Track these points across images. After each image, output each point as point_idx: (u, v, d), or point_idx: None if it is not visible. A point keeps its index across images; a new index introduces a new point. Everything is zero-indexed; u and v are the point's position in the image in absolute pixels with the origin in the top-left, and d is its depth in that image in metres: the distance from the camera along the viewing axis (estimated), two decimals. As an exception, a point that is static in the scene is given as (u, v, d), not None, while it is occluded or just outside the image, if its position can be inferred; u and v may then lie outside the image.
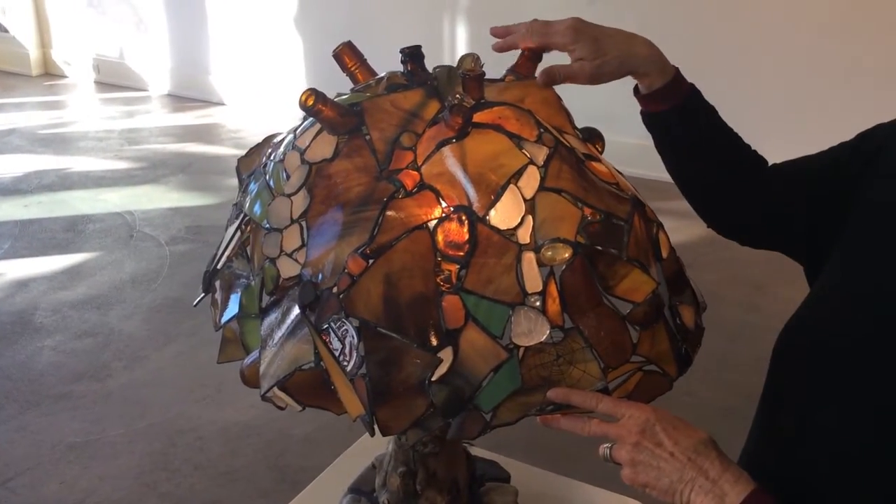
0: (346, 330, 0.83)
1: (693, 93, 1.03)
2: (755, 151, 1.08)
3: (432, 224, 0.85)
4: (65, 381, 2.68)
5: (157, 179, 4.36)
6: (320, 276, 0.85)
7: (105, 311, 3.08)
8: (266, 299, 0.92)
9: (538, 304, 0.82)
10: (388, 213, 0.84)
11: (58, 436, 2.44)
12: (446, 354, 0.82)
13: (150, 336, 2.93)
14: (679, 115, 1.01)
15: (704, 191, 1.07)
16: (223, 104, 5.66)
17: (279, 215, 0.91)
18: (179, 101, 5.70)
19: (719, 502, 0.74)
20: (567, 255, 0.82)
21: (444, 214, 0.85)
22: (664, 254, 0.92)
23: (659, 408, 0.81)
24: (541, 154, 0.86)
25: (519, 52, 0.98)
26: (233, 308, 0.98)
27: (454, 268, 0.83)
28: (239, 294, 0.98)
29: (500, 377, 0.82)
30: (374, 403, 0.81)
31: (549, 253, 0.83)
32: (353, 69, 0.98)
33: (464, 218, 0.83)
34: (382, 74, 0.96)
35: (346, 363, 0.82)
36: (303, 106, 0.86)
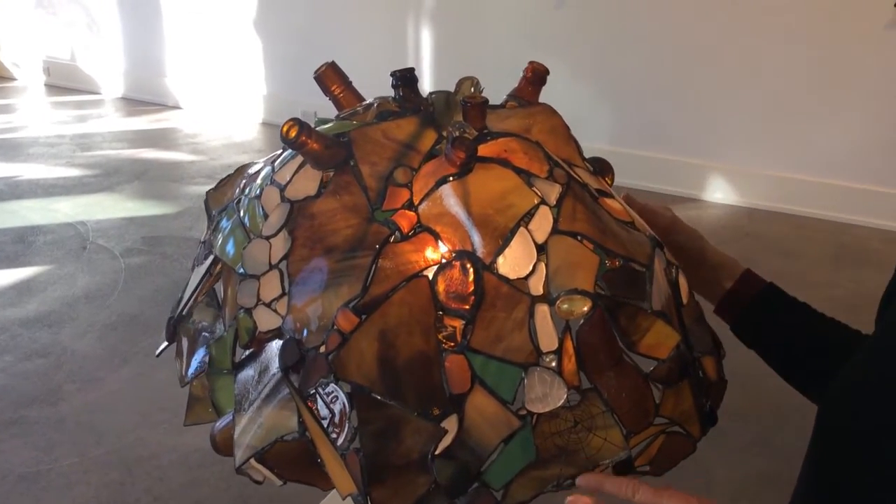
0: (336, 396, 0.72)
1: (765, 290, 0.98)
2: (856, 333, 1.00)
3: (432, 272, 0.75)
4: (14, 406, 2.53)
5: (111, 187, 4.21)
6: (305, 332, 0.75)
7: (57, 329, 2.93)
8: (240, 353, 0.82)
9: (554, 364, 0.72)
10: (383, 260, 0.74)
11: (7, 466, 2.29)
12: (451, 423, 0.72)
13: (104, 356, 2.79)
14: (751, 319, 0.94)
15: (803, 379, 1.00)
16: (179, 107, 5.50)
17: (256, 260, 0.80)
18: (134, 104, 5.53)
19: None
20: (586, 308, 0.73)
21: (445, 261, 0.75)
22: (684, 299, 0.83)
23: (703, 497, 0.71)
24: (553, 192, 0.76)
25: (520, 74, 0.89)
26: (201, 361, 0.87)
27: (458, 323, 0.73)
28: (208, 345, 0.88)
29: (512, 449, 0.72)
30: (369, 482, 0.70)
31: (566, 306, 0.73)
32: (337, 94, 0.88)
33: (468, 266, 0.74)
34: (371, 100, 0.86)
35: (335, 435, 0.72)
36: (285, 139, 0.76)
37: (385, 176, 0.78)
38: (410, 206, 0.77)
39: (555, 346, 0.73)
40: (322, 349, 0.73)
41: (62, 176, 4.31)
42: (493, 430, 0.72)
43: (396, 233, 0.75)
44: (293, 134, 0.76)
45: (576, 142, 0.85)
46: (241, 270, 0.82)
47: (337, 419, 0.72)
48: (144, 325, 2.97)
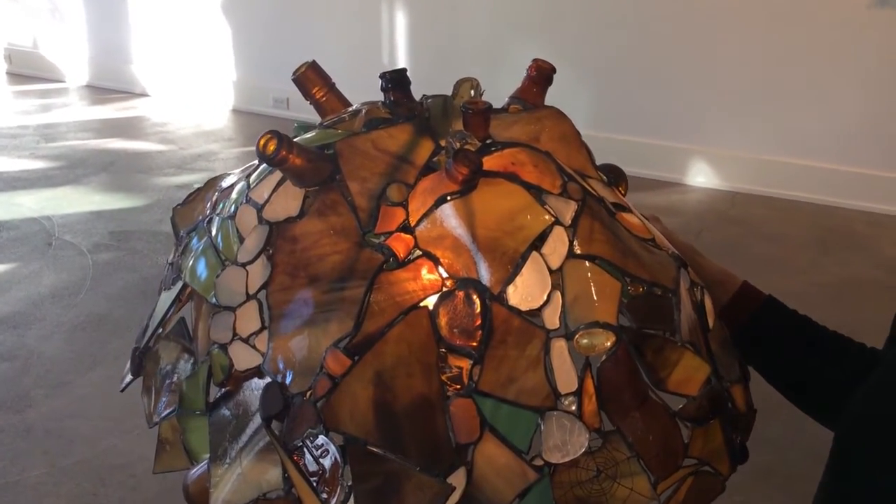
0: (327, 449, 0.64)
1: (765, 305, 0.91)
2: (859, 346, 0.93)
3: (432, 303, 0.66)
4: (-22, 415, 2.42)
5: (76, 180, 4.07)
6: (289, 375, 0.66)
7: (22, 330, 2.81)
8: (215, 392, 0.73)
9: (574, 407, 0.64)
10: (376, 291, 0.65)
11: (-29, 479, 2.19)
12: (458, 478, 0.63)
13: (73, 359, 2.68)
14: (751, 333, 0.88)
15: (812, 397, 0.92)
16: (147, 95, 5.35)
17: (231, 289, 0.71)
18: (99, 92, 5.37)
19: None
20: (609, 342, 0.64)
21: (446, 290, 0.66)
22: (710, 323, 0.75)
23: None
24: (568, 211, 0.68)
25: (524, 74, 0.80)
26: (170, 399, 0.78)
27: (465, 363, 0.64)
28: (175, 380, 0.78)
29: (529, 504, 0.64)
30: (368, 548, 0.62)
31: (586, 341, 0.65)
32: (319, 98, 0.78)
33: (474, 296, 0.65)
34: (358, 105, 0.77)
35: (326, 494, 0.63)
36: (263, 155, 0.66)
37: (377, 194, 0.69)
38: (406, 227, 0.68)
39: (574, 386, 0.64)
40: (309, 395, 0.64)
41: (25, 168, 4.15)
42: (506, 484, 0.64)
43: (391, 259, 0.66)
44: (272, 149, 0.66)
45: (587, 149, 0.77)
46: (214, 300, 0.72)
47: (328, 476, 0.63)
48: (114, 325, 2.86)
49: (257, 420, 0.68)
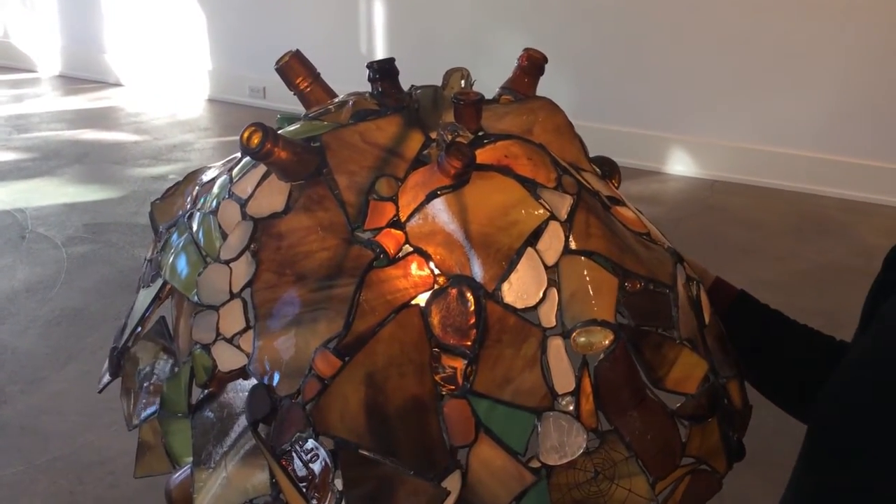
0: (317, 454, 0.61)
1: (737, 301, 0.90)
2: (830, 340, 0.92)
3: (423, 301, 0.64)
4: (-48, 412, 2.37)
5: (50, 171, 3.99)
6: (276, 376, 0.64)
7: (-4, 326, 2.76)
8: (197, 393, 0.70)
9: (571, 407, 0.62)
10: (366, 289, 0.63)
11: (-55, 478, 2.14)
12: (453, 482, 0.61)
13: (49, 354, 2.63)
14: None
15: (786, 391, 0.90)
16: (120, 85, 5.27)
17: (214, 287, 0.68)
18: (72, 82, 5.28)
19: None
20: (607, 341, 0.63)
21: (438, 288, 0.64)
22: (707, 318, 0.73)
23: None
24: (563, 205, 0.66)
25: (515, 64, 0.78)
26: (150, 401, 0.75)
27: (459, 363, 0.62)
28: (156, 382, 0.76)
29: (526, 508, 0.62)
30: (360, 555, 0.60)
31: (583, 339, 0.63)
32: (304, 88, 0.76)
33: (467, 293, 0.63)
34: (345, 96, 0.74)
35: (317, 500, 0.61)
36: (247, 148, 0.64)
37: (365, 188, 0.67)
38: (396, 223, 0.66)
39: (572, 386, 0.62)
40: (297, 398, 0.62)
41: (-3, 160, 4.08)
42: (502, 488, 0.62)
43: (381, 256, 0.64)
44: (256, 142, 0.64)
45: (581, 141, 0.75)
46: (196, 299, 0.70)
47: (318, 481, 0.61)
48: (90, 319, 2.81)
49: (243, 423, 0.66)
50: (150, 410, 0.75)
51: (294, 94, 0.77)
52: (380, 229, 0.65)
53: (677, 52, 3.92)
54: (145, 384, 0.77)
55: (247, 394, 0.66)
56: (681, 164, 4.07)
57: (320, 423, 0.61)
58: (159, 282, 0.75)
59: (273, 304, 0.66)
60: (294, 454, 0.62)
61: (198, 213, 0.73)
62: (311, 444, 0.61)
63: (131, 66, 5.21)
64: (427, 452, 0.61)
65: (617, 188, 0.78)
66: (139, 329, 0.78)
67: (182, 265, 0.72)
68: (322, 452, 0.61)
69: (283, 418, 0.62)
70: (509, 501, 0.62)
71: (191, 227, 0.73)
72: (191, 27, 4.95)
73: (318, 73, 0.77)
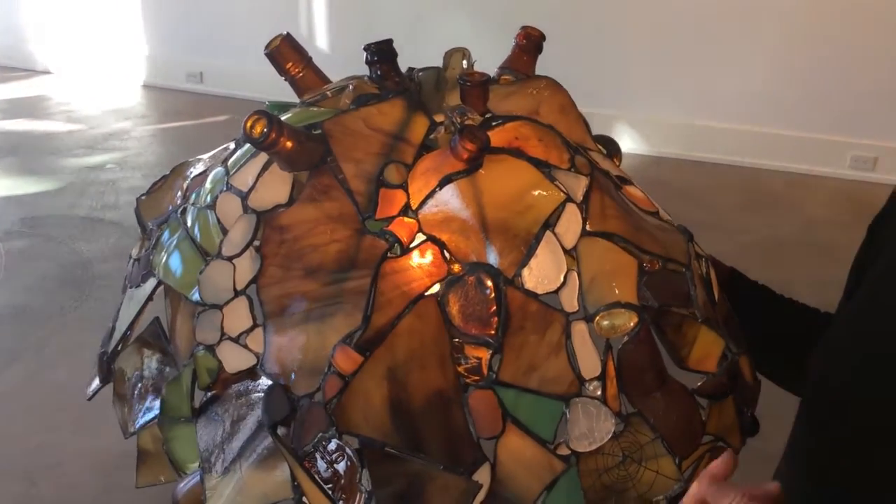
0: (341, 454, 0.59)
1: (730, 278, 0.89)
2: (817, 312, 0.92)
3: (440, 291, 0.62)
4: None
5: (-19, 165, 3.84)
6: (292, 376, 0.61)
7: (-66, 328, 2.65)
8: (200, 396, 0.67)
9: (599, 392, 0.61)
10: (382, 281, 0.61)
11: None
12: (483, 475, 0.60)
13: (-9, 355, 2.53)
14: None
15: (779, 365, 0.90)
16: (49, 73, 5.08)
17: (217, 285, 0.65)
18: (-2, 72, 5.07)
19: None
20: (632, 323, 0.62)
21: (454, 276, 0.62)
22: (716, 295, 0.73)
23: None
24: (579, 186, 0.64)
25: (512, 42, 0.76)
26: (149, 406, 0.72)
27: (484, 353, 0.60)
28: (153, 386, 0.73)
29: (557, 497, 0.61)
30: (393, 556, 0.58)
31: (607, 322, 0.62)
32: (295, 73, 0.73)
33: (486, 280, 0.61)
34: (343, 80, 0.71)
35: (343, 501, 0.59)
36: (251, 138, 0.60)
37: (374, 176, 0.64)
38: (408, 211, 0.64)
39: (598, 370, 0.61)
40: (317, 397, 0.60)
41: (-77, 155, 3.90)
42: (533, 478, 0.61)
43: (396, 245, 0.62)
44: (260, 131, 0.61)
45: (585, 120, 0.73)
46: (197, 298, 0.67)
47: (344, 482, 0.59)
48: (33, 316, 2.71)
49: (254, 425, 0.63)
50: (148, 416, 0.72)
51: (285, 80, 0.74)
52: (391, 218, 0.63)
53: (620, 31, 3.94)
54: (141, 388, 0.73)
55: (258, 395, 0.63)
56: (628, 141, 4.10)
57: (343, 421, 0.59)
58: (152, 281, 0.72)
59: (282, 300, 0.63)
60: (317, 456, 0.59)
61: (192, 208, 0.70)
62: (334, 443, 0.59)
63: (60, 52, 5.03)
64: (455, 446, 0.60)
65: (618, 167, 0.77)
66: (129, 332, 0.75)
67: (178, 263, 0.69)
68: (347, 452, 0.59)
69: (303, 419, 0.60)
70: (541, 491, 0.61)
71: (185, 223, 0.70)
72: (124, 12, 4.79)
73: (310, 58, 0.74)
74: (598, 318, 0.62)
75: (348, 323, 0.60)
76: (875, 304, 0.73)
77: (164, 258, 0.70)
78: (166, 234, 0.72)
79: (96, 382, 0.78)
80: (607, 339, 0.62)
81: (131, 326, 0.75)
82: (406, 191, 0.64)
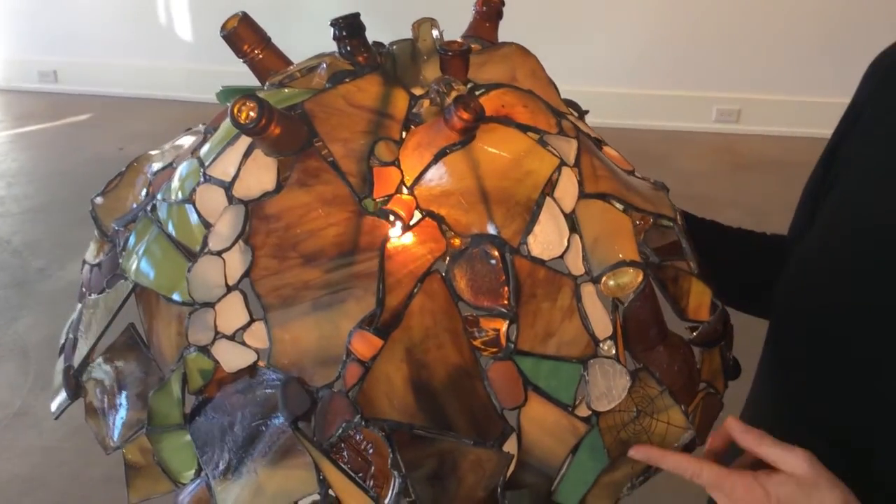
0: (370, 441, 0.57)
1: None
2: (763, 236, 0.93)
3: (444, 266, 0.61)
4: None
5: None
6: (307, 368, 0.59)
7: None
8: (193, 401, 0.64)
9: (613, 351, 0.62)
10: (388, 261, 0.59)
11: None
12: (511, 446, 0.60)
13: None
14: None
15: (736, 293, 0.91)
16: None
17: (206, 282, 0.62)
18: None
19: None
20: (639, 280, 0.62)
21: (456, 250, 0.61)
22: (690, 245, 0.75)
23: (765, 472, 0.64)
24: (571, 150, 0.64)
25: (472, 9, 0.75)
26: (128, 418, 0.68)
27: (501, 325, 0.60)
28: (133, 395, 0.69)
29: (582, 458, 0.62)
30: (434, 538, 0.57)
31: (613, 282, 0.62)
32: (255, 55, 0.69)
33: (492, 252, 0.60)
34: (312, 59, 0.68)
35: (377, 491, 0.57)
36: (240, 124, 0.57)
37: (364, 155, 0.62)
38: (403, 188, 0.62)
39: (610, 330, 0.62)
40: (336, 387, 0.58)
41: None
42: (558, 443, 0.61)
43: (398, 224, 0.60)
44: (247, 116, 0.57)
45: (554, 84, 0.73)
46: (178, 298, 0.63)
47: (375, 469, 0.57)
48: None
49: (263, 422, 0.61)
50: (134, 429, 0.67)
51: (244, 63, 0.70)
52: (391, 196, 0.61)
53: None
54: (120, 400, 0.69)
55: (263, 392, 0.61)
56: (503, 109, 4.15)
57: (369, 408, 0.57)
58: (123, 286, 0.67)
59: (282, 290, 0.60)
60: (344, 447, 0.57)
61: (164, 204, 0.66)
62: (359, 432, 0.57)
63: None
64: (481, 420, 0.59)
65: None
66: (97, 342, 0.70)
67: (154, 263, 0.65)
68: (375, 438, 0.57)
69: (325, 410, 0.58)
70: (566, 455, 0.61)
71: (157, 220, 0.66)
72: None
73: (269, 38, 0.70)
74: (604, 278, 0.62)
75: (361, 308, 0.58)
76: (836, 232, 0.75)
77: (137, 259, 0.66)
78: (135, 235, 0.67)
79: (61, 398, 0.72)
80: (612, 298, 0.63)
81: (99, 337, 0.70)
82: (399, 167, 0.62)
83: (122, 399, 0.69)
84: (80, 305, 0.74)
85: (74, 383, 0.71)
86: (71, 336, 0.73)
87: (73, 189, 3.55)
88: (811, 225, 0.81)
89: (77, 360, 0.71)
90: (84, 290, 0.73)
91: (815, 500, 0.62)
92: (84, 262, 0.74)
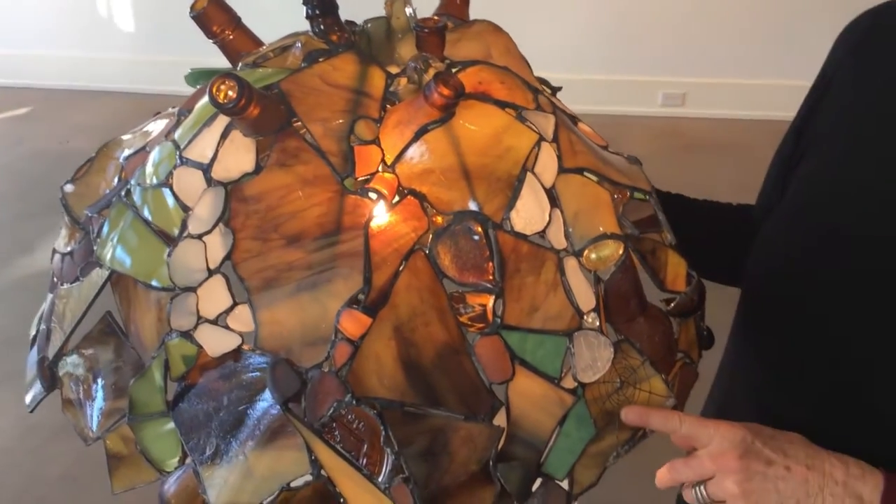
0: (361, 420, 0.57)
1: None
2: (740, 209, 0.94)
3: (427, 244, 0.61)
4: None
5: None
6: (294, 349, 0.58)
7: None
8: (176, 388, 0.63)
9: (597, 323, 0.63)
10: (372, 240, 0.59)
11: None
12: (500, 419, 0.60)
13: None
14: None
15: (709, 264, 0.92)
16: None
17: (187, 267, 0.61)
18: None
19: None
20: (620, 251, 0.63)
21: (439, 228, 0.61)
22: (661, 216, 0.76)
23: (751, 424, 0.66)
24: (549, 125, 0.65)
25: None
26: (106, 408, 0.67)
27: (487, 300, 0.60)
28: (110, 385, 0.68)
29: (570, 429, 0.62)
30: (428, 512, 0.57)
31: (595, 255, 0.63)
32: (226, 36, 0.68)
33: (475, 228, 0.61)
34: (284, 38, 0.68)
35: (371, 469, 0.57)
36: (219, 103, 0.56)
37: (344, 134, 0.62)
38: (386, 166, 0.62)
39: (593, 302, 0.63)
40: (326, 367, 0.58)
41: None
42: (546, 415, 0.62)
43: (381, 203, 0.60)
44: (227, 96, 0.57)
45: (526, 60, 0.74)
46: (157, 283, 0.62)
47: (367, 448, 0.57)
48: None
49: (250, 405, 0.60)
50: (113, 418, 0.66)
51: (214, 44, 0.69)
52: (373, 175, 0.61)
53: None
54: (97, 389, 0.68)
55: (249, 375, 0.60)
56: (452, 96, 4.15)
57: (359, 387, 0.57)
58: (99, 274, 0.66)
59: (266, 272, 0.60)
60: (335, 426, 0.57)
61: (138, 189, 0.64)
62: (350, 411, 0.57)
63: None
64: (470, 396, 0.60)
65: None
66: (72, 332, 0.69)
67: (131, 249, 0.64)
68: (367, 417, 0.57)
69: (315, 390, 0.57)
70: (554, 426, 0.62)
71: (132, 206, 0.64)
72: None
73: (239, 18, 0.69)
74: (586, 251, 0.63)
75: (349, 287, 0.58)
76: (807, 204, 0.76)
77: (113, 246, 0.65)
78: (109, 221, 0.66)
79: (36, 390, 0.71)
80: (594, 271, 0.64)
81: (74, 326, 0.69)
82: (380, 146, 0.62)
83: (99, 388, 0.68)
84: (50, 296, 0.73)
85: (50, 375, 0.70)
86: (43, 327, 0.71)
87: (14, 184, 3.46)
88: (781, 198, 0.82)
89: (52, 351, 0.69)
90: (55, 279, 0.72)
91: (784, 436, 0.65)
92: (54, 251, 0.72)
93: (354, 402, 0.57)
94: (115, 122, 3.92)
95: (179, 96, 0.70)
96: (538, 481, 0.62)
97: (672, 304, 0.69)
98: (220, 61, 0.72)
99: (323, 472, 0.58)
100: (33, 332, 0.74)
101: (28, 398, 0.71)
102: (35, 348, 0.72)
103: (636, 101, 4.01)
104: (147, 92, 4.12)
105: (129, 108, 4.07)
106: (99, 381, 0.68)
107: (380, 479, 0.57)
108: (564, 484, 0.63)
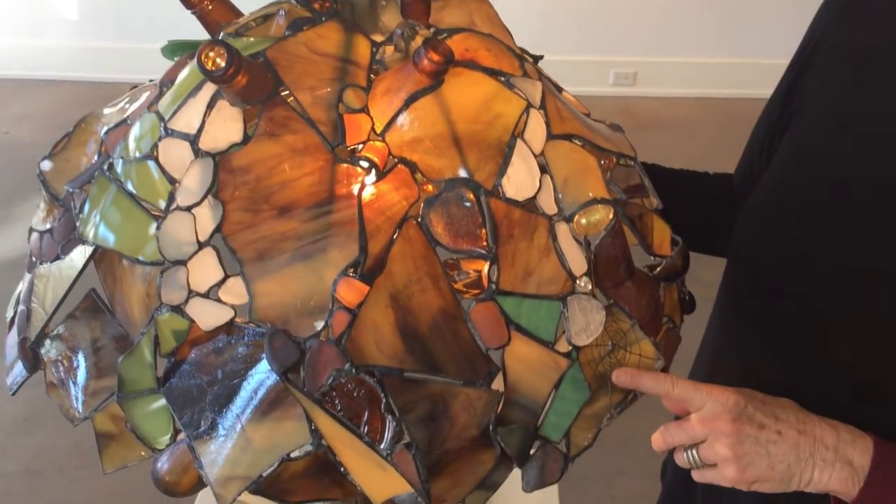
0: (361, 388, 0.57)
1: None
2: (717, 177, 0.94)
3: (419, 212, 0.61)
4: None
5: None
6: (291, 319, 0.58)
7: None
8: (166, 364, 0.62)
9: (589, 287, 0.63)
10: (366, 209, 0.59)
11: None
12: (498, 384, 0.60)
13: None
14: None
15: (693, 233, 0.92)
16: None
17: (176, 239, 0.60)
18: None
19: (849, 471, 0.64)
20: (610, 216, 0.64)
21: (430, 195, 0.61)
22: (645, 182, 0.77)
23: (734, 387, 0.67)
24: (536, 92, 0.65)
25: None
26: (90, 387, 0.66)
27: (482, 266, 0.61)
28: (93, 364, 0.67)
29: (565, 392, 0.63)
30: (430, 477, 0.57)
31: (585, 220, 0.64)
32: (205, 7, 0.67)
33: (467, 195, 0.61)
34: (266, 7, 0.67)
35: (373, 436, 0.57)
36: (207, 71, 0.55)
37: (333, 102, 0.61)
38: (376, 134, 0.62)
39: (585, 266, 0.63)
40: (324, 336, 0.57)
41: None
42: (542, 379, 0.62)
43: (373, 171, 0.60)
44: (215, 64, 0.56)
45: (508, 29, 0.74)
46: (142, 258, 0.61)
47: (368, 416, 0.57)
48: None
49: (245, 377, 0.60)
50: (100, 397, 0.65)
51: (193, 14, 0.68)
52: (364, 143, 0.61)
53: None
54: (82, 369, 0.66)
55: (243, 348, 0.60)
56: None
57: (358, 355, 0.57)
58: (81, 250, 0.65)
59: (258, 243, 0.59)
60: (336, 395, 0.57)
61: (122, 162, 0.63)
62: (350, 379, 0.57)
63: None
64: (468, 361, 0.60)
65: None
66: (54, 312, 0.67)
67: (115, 224, 0.63)
68: (367, 385, 0.57)
69: (314, 360, 0.57)
70: (550, 390, 0.62)
71: (116, 179, 0.63)
72: None
73: (219, -12, 0.68)
74: (577, 216, 0.63)
75: (344, 255, 0.58)
76: (795, 170, 0.76)
77: (97, 222, 0.63)
78: (93, 196, 0.64)
79: (18, 372, 0.69)
80: (584, 235, 0.64)
81: (56, 306, 0.67)
82: (369, 114, 0.62)
83: (82, 368, 0.67)
84: (28, 275, 0.71)
85: (32, 355, 0.68)
86: (22, 308, 0.70)
87: (-44, 176, 3.36)
88: (766, 165, 0.82)
89: (33, 331, 0.68)
90: (34, 258, 0.70)
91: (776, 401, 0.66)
92: (31, 229, 0.70)
93: (354, 370, 0.57)
94: (60, 110, 3.83)
95: (122, 83, 0.68)
96: (536, 444, 0.63)
97: (658, 269, 0.70)
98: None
99: (323, 441, 0.58)
100: (10, 314, 0.73)
101: (9, 381, 0.70)
102: (14, 330, 0.70)
103: (588, 80, 4.04)
104: (89, 80, 4.03)
105: (71, 96, 3.98)
106: (82, 359, 0.67)
107: (381, 447, 0.57)
108: (562, 446, 0.63)
